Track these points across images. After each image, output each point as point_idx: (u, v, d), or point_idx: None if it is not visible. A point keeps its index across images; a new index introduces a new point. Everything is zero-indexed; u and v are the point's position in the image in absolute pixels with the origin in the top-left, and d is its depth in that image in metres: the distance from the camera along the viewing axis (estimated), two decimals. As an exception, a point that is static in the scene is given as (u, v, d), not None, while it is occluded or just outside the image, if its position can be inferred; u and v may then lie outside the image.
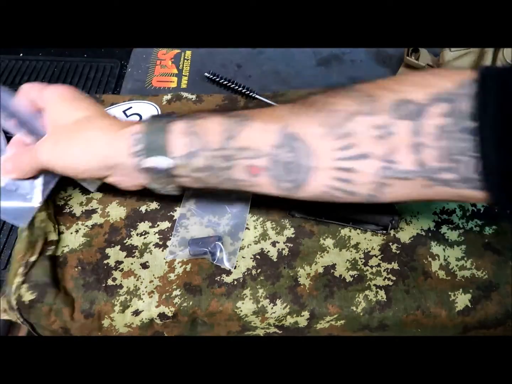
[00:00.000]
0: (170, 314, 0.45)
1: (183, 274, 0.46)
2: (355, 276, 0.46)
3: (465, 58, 0.56)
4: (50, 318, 0.46)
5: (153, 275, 0.47)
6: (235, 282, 0.46)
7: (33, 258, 0.46)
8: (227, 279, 0.46)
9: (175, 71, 0.71)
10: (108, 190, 0.53)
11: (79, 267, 0.47)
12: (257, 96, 0.63)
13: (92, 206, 0.52)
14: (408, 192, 0.33)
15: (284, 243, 0.49)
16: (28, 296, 0.45)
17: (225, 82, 0.66)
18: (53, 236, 0.48)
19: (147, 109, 0.62)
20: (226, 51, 0.73)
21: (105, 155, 0.39)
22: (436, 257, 0.48)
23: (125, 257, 0.48)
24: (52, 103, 0.41)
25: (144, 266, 0.47)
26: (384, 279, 0.46)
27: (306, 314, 0.45)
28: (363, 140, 0.32)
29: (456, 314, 0.45)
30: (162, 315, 0.45)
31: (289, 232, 0.50)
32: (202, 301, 0.45)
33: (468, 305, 0.45)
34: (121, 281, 0.46)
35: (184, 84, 0.69)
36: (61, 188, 0.53)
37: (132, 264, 0.47)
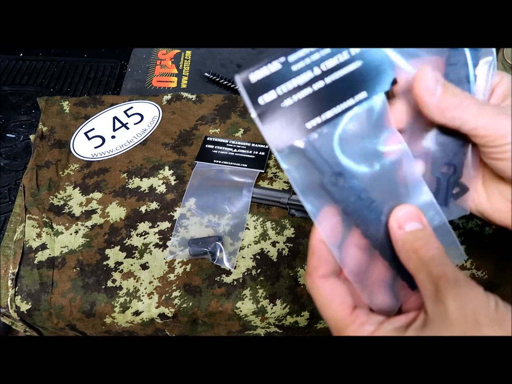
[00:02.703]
0: (170, 315, 0.45)
1: (183, 275, 0.46)
2: (355, 276, 0.46)
3: (465, 58, 0.56)
4: (53, 320, 0.46)
5: (153, 276, 0.46)
6: (235, 283, 0.46)
7: (14, 270, 0.46)
8: (227, 279, 0.46)
9: (175, 71, 0.71)
10: (108, 190, 0.53)
11: (78, 268, 0.47)
12: (257, 96, 0.63)
13: (92, 207, 0.52)
14: None
15: (284, 243, 0.49)
16: (24, 306, 0.45)
17: (225, 82, 0.66)
18: (36, 243, 0.48)
19: (148, 108, 0.62)
20: (226, 51, 0.74)
21: None
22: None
23: (124, 258, 0.48)
24: None
25: (144, 267, 0.47)
26: (384, 279, 0.46)
27: (306, 314, 0.45)
28: None
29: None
30: (162, 315, 0.45)
31: (289, 232, 0.50)
32: (202, 301, 0.45)
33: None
34: (121, 282, 0.46)
35: (184, 84, 0.69)
36: (59, 188, 0.53)
37: (132, 265, 0.47)
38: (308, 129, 0.24)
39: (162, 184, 0.54)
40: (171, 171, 0.55)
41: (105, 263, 0.47)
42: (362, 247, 0.27)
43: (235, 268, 0.47)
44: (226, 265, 0.47)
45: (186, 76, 0.70)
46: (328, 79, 0.24)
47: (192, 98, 0.64)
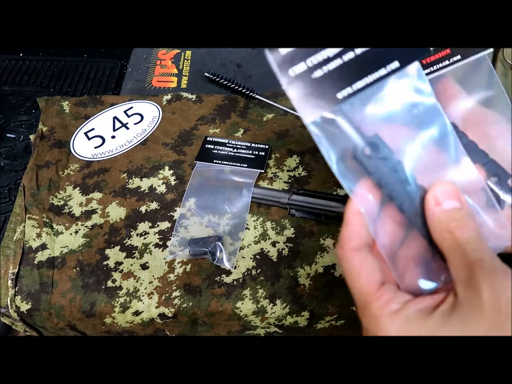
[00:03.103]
0: (170, 315, 0.45)
1: (183, 275, 0.46)
2: (355, 276, 0.46)
3: (465, 58, 0.56)
4: (53, 320, 0.46)
5: (153, 276, 0.46)
6: (235, 283, 0.46)
7: (14, 270, 0.46)
8: (227, 279, 0.46)
9: (175, 71, 0.71)
10: (108, 190, 0.53)
11: (78, 268, 0.47)
12: (257, 96, 0.63)
13: (92, 207, 0.52)
14: None
15: (284, 243, 0.49)
16: (24, 306, 0.45)
17: (225, 82, 0.66)
18: (36, 243, 0.48)
19: (148, 108, 0.62)
20: (226, 51, 0.74)
21: None
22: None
23: (124, 258, 0.48)
24: None
25: (144, 267, 0.47)
26: (384, 279, 0.46)
27: (306, 314, 0.45)
28: None
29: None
30: (162, 315, 0.45)
31: (289, 232, 0.50)
32: (202, 301, 0.45)
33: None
34: (121, 282, 0.46)
35: (184, 84, 0.68)
36: (59, 188, 0.53)
37: (132, 265, 0.47)
38: (339, 99, 0.24)
39: (162, 184, 0.54)
40: (171, 171, 0.55)
41: (105, 263, 0.47)
42: (398, 221, 0.25)
43: (235, 268, 0.47)
44: (226, 265, 0.47)
45: (186, 76, 0.70)
46: (359, 49, 0.24)
47: (192, 98, 0.64)
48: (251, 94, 0.64)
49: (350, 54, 0.24)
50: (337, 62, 0.24)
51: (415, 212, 0.25)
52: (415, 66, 0.25)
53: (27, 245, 0.48)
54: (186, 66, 0.71)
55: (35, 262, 0.47)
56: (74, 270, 0.47)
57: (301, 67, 0.23)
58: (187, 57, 0.73)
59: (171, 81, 0.69)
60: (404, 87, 0.25)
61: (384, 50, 0.24)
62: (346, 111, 0.24)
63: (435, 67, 0.32)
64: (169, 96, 0.64)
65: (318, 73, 0.23)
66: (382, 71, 0.24)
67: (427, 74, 0.31)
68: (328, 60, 0.23)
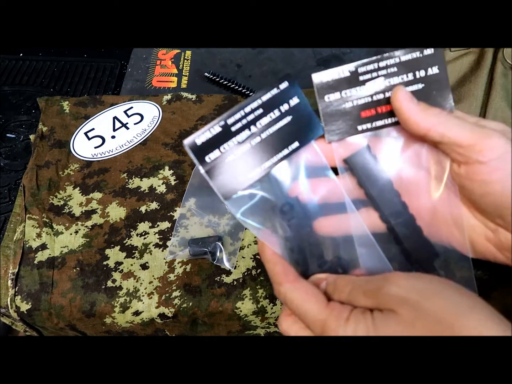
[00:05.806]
0: (170, 315, 0.45)
1: (183, 275, 0.46)
2: (355, 276, 0.46)
3: (465, 58, 0.56)
4: (53, 320, 0.46)
5: (153, 276, 0.46)
6: (235, 283, 0.46)
7: (14, 270, 0.46)
8: (227, 280, 0.46)
9: (175, 71, 0.71)
10: (108, 190, 0.53)
11: (78, 268, 0.47)
12: (257, 96, 0.63)
13: (92, 207, 0.52)
14: None
15: (284, 243, 0.49)
16: (24, 306, 0.45)
17: (225, 82, 0.66)
18: (36, 243, 0.48)
19: (148, 108, 0.62)
20: (226, 51, 0.73)
21: None
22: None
23: (124, 258, 0.48)
24: None
25: (144, 267, 0.47)
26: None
27: (306, 314, 0.45)
28: None
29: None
30: (162, 315, 0.45)
31: (289, 232, 0.49)
32: (202, 301, 0.45)
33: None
34: (121, 282, 0.46)
35: (184, 84, 0.68)
36: (59, 188, 0.53)
37: (132, 265, 0.47)
38: (251, 179, 0.27)
39: (162, 184, 0.54)
40: (171, 171, 0.55)
41: (105, 263, 0.47)
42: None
43: (235, 268, 0.47)
44: (226, 265, 0.47)
45: (186, 76, 0.70)
46: (264, 135, 0.27)
47: (192, 98, 0.64)
48: (251, 94, 0.64)
49: (257, 139, 0.27)
50: (246, 147, 0.27)
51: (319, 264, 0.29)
52: (312, 144, 0.29)
53: (27, 245, 0.48)
54: (186, 66, 0.71)
55: (35, 262, 0.47)
56: (74, 270, 0.47)
57: (215, 154, 0.26)
58: (187, 57, 0.73)
59: (171, 81, 0.69)
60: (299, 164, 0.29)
61: (285, 133, 0.28)
62: (261, 185, 0.28)
63: (390, 120, 0.30)
64: (169, 96, 0.64)
65: (231, 158, 0.27)
66: (285, 151, 0.28)
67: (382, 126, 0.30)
68: (238, 145, 0.27)
